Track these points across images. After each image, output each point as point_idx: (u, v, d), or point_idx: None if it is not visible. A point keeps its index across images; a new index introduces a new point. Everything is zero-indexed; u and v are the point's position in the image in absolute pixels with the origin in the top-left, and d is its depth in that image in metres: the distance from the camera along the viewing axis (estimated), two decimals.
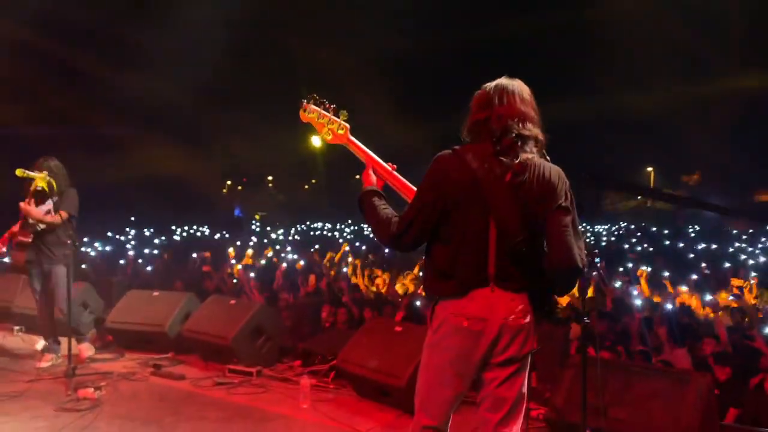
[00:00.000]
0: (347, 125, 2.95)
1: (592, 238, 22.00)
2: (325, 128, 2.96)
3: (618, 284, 9.18)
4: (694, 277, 9.82)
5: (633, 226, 31.57)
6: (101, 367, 6.08)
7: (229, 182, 52.32)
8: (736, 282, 9.06)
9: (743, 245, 18.82)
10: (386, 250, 14.80)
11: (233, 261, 13.06)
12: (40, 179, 5.74)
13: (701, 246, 18.53)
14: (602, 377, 3.61)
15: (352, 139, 2.95)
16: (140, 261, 13.52)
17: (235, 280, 10.52)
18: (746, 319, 7.45)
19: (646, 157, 44.84)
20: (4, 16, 16.82)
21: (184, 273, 11.63)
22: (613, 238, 23.61)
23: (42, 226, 5.84)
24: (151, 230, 24.92)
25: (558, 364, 5.32)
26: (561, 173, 2.61)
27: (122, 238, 21.72)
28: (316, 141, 3.24)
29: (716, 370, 5.31)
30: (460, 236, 2.54)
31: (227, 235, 24.44)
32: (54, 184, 5.84)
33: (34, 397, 5.12)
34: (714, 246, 18.50)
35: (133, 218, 28.76)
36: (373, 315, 7.32)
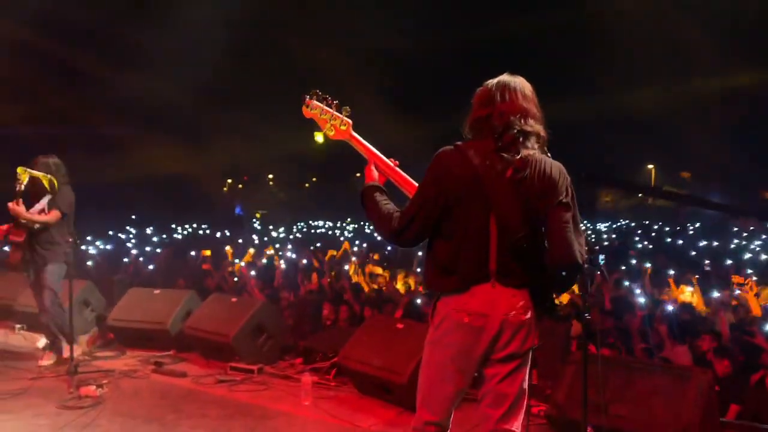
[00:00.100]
0: (350, 121, 2.96)
1: (593, 236, 22.00)
2: (328, 124, 2.97)
3: (626, 284, 9.15)
4: (696, 276, 9.81)
5: (633, 224, 31.57)
6: (103, 365, 6.09)
7: (229, 180, 52.35)
8: (736, 279, 9.05)
9: (744, 242, 18.80)
10: (388, 248, 14.82)
11: (236, 260, 13.08)
12: (42, 178, 5.72)
13: (703, 243, 18.51)
14: (603, 374, 3.61)
15: (355, 134, 2.96)
16: (141, 259, 13.54)
17: (236, 279, 10.53)
18: (748, 315, 7.45)
19: (647, 154, 44.83)
20: (3, 16, 16.81)
21: (186, 271, 11.65)
22: (614, 236, 23.61)
23: (36, 225, 5.81)
24: (152, 229, 24.92)
25: (559, 360, 5.32)
26: (562, 169, 2.62)
27: (123, 236, 21.75)
28: (318, 137, 3.23)
29: (715, 364, 5.32)
30: (461, 232, 2.55)
31: (228, 234, 24.47)
32: (55, 182, 5.82)
33: (36, 394, 5.13)
34: (715, 243, 18.50)
35: (133, 216, 28.80)
36: (373, 313, 7.33)
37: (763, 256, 14.27)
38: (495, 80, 2.68)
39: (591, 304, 4.34)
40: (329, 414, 4.87)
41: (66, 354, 5.93)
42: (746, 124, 33.95)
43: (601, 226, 29.20)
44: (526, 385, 2.65)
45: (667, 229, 26.57)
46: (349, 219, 33.30)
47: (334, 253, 14.45)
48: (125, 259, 13.17)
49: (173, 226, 26.83)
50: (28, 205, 5.83)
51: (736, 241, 19.35)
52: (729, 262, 12.96)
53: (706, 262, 12.94)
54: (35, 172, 5.74)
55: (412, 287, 9.72)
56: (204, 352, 6.42)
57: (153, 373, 5.91)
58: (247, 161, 42.94)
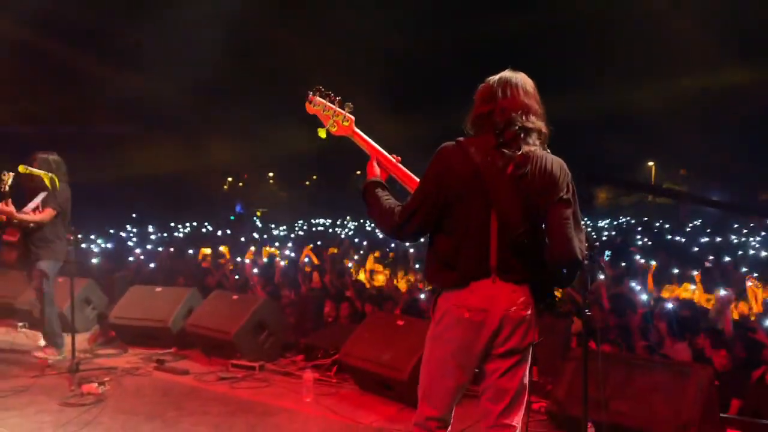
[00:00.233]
0: (352, 117, 2.97)
1: (594, 233, 22.00)
2: (331, 120, 2.97)
3: (628, 281, 9.14)
4: (695, 273, 9.82)
5: (634, 221, 31.57)
6: (105, 363, 6.11)
7: (230, 179, 52.38)
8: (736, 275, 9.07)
9: (744, 239, 18.80)
10: (392, 245, 14.84)
11: (238, 258, 13.09)
12: (44, 176, 5.72)
13: (704, 240, 18.51)
14: (603, 370, 3.63)
15: (357, 130, 2.97)
16: (142, 257, 13.56)
17: (236, 276, 10.54)
18: (750, 311, 7.45)
19: (646, 151, 44.83)
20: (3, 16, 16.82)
21: (186, 269, 11.66)
22: (614, 233, 23.62)
23: (30, 224, 5.78)
24: (153, 227, 24.95)
25: (560, 357, 5.33)
26: (563, 165, 2.63)
27: (123, 234, 21.77)
28: (321, 133, 3.19)
29: (713, 356, 5.34)
30: (462, 228, 2.56)
31: (229, 232, 24.50)
32: (56, 180, 5.82)
33: (38, 392, 5.15)
34: (717, 240, 18.50)
35: (134, 215, 28.82)
36: (373, 310, 7.34)
37: (763, 253, 14.29)
38: (497, 76, 2.68)
39: (591, 301, 4.35)
40: (331, 410, 4.88)
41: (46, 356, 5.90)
42: (745, 123, 33.96)
43: (603, 223, 29.20)
44: (526, 380, 2.66)
45: (668, 226, 26.57)
46: (348, 217, 33.31)
47: (335, 250, 14.47)
48: (130, 258, 13.17)
49: (172, 224, 26.84)
50: (25, 203, 5.83)
51: (734, 238, 19.34)
52: (729, 259, 12.95)
53: (710, 257, 12.93)
54: (36, 171, 5.73)
55: (412, 281, 9.74)
56: (205, 349, 6.44)
57: (155, 370, 5.93)
58: (248, 159, 42.98)
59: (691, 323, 6.59)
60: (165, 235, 22.64)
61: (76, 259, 6.13)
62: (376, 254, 12.83)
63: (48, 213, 5.80)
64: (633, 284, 8.76)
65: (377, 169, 2.89)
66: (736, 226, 23.19)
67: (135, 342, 6.78)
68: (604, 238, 19.61)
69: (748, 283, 8.21)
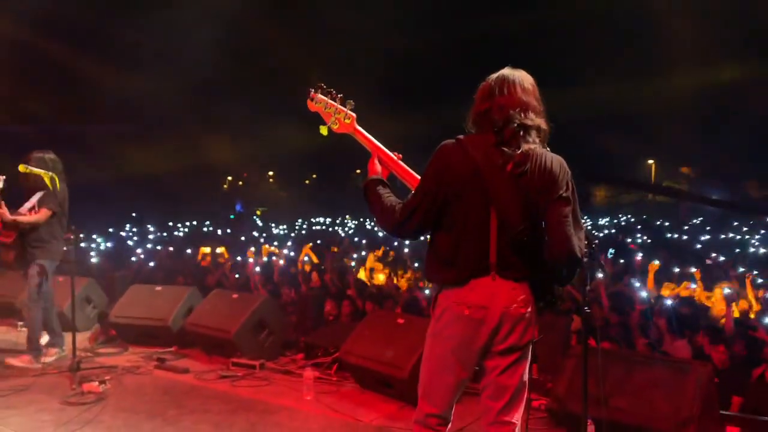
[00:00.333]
0: (353, 114, 2.98)
1: (594, 231, 22.01)
2: (332, 117, 2.98)
3: (637, 285, 9.13)
4: (693, 269, 9.83)
5: (633, 219, 31.58)
6: (106, 361, 6.12)
7: (230, 178, 52.38)
8: (735, 273, 9.07)
9: (744, 237, 18.82)
10: (395, 243, 14.83)
11: (237, 258, 13.10)
12: (44, 175, 5.72)
13: (704, 238, 18.52)
14: (603, 367, 3.63)
15: (359, 128, 2.98)
16: (142, 257, 13.56)
17: (236, 275, 10.55)
18: (750, 308, 7.46)
19: (646, 149, 44.82)
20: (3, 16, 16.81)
21: (186, 268, 11.67)
22: (614, 230, 23.63)
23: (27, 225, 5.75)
24: (153, 226, 24.95)
25: (559, 354, 5.34)
26: (563, 163, 2.63)
27: (123, 234, 21.77)
28: (322, 131, 3.20)
29: (712, 352, 5.34)
30: (461, 225, 2.57)
31: (229, 231, 24.50)
32: (57, 179, 5.81)
33: (39, 390, 5.16)
34: (717, 237, 18.51)
35: (134, 214, 28.82)
36: (374, 308, 7.35)
37: (762, 250, 14.30)
38: (496, 74, 2.70)
39: (590, 299, 4.35)
40: (331, 408, 4.89)
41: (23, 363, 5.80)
42: (744, 121, 33.94)
43: (603, 221, 29.20)
44: (526, 377, 2.67)
45: (667, 224, 26.58)
46: (348, 216, 33.31)
47: (337, 249, 14.48)
48: (133, 258, 13.16)
49: (170, 223, 26.83)
50: (22, 202, 5.81)
51: (732, 235, 19.36)
52: (729, 256, 12.96)
53: (713, 254, 12.94)
54: (36, 170, 5.70)
55: (412, 279, 9.74)
56: (206, 348, 6.45)
57: (155, 369, 5.94)
58: (248, 158, 42.98)
59: (690, 321, 6.60)
60: (165, 234, 22.62)
61: (76, 259, 6.12)
62: (378, 253, 12.84)
63: (43, 213, 5.76)
64: (633, 281, 8.77)
65: (378, 167, 2.89)
66: (735, 224, 23.21)
67: (135, 341, 6.79)
68: (601, 234, 19.61)
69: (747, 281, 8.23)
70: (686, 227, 24.40)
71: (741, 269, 10.29)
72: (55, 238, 5.88)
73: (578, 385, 3.68)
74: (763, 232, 19.85)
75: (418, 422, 2.68)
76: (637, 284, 8.58)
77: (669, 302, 7.24)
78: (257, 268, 10.42)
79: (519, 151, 2.55)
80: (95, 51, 23.84)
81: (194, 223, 28.58)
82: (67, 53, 22.41)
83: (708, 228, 22.38)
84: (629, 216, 34.09)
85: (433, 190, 2.58)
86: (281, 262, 11.72)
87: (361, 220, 30.77)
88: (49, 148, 6.11)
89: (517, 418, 2.66)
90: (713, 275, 9.81)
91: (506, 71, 2.69)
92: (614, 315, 6.87)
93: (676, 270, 10.28)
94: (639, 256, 12.01)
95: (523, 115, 2.59)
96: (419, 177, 2.74)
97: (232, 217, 36.84)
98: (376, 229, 22.01)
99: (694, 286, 8.85)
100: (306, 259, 12.36)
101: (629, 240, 17.68)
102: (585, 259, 2.72)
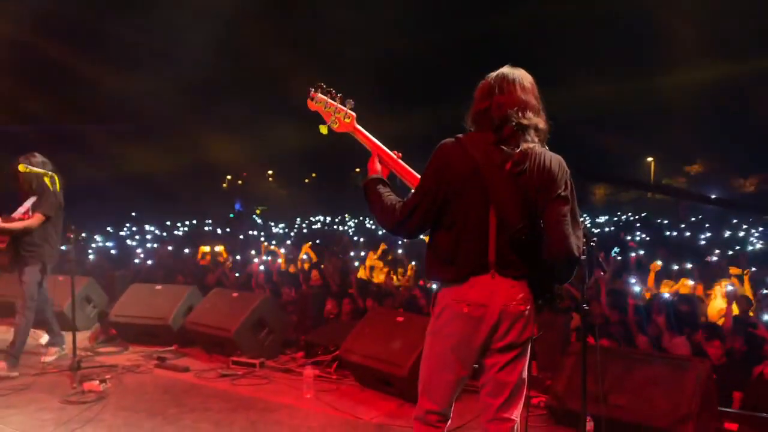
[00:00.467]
0: (353, 114, 2.99)
1: (594, 229, 22.03)
2: (332, 117, 2.99)
3: (638, 288, 9.13)
4: (689, 265, 9.83)
5: (633, 217, 31.57)
6: (106, 360, 6.14)
7: (229, 177, 52.37)
8: (734, 270, 9.06)
9: (743, 234, 18.82)
10: (399, 242, 14.82)
11: (237, 257, 13.11)
12: (44, 175, 5.71)
13: (703, 235, 18.52)
14: (602, 364, 3.65)
15: (358, 127, 2.99)
16: (142, 256, 13.57)
17: (237, 274, 10.56)
18: (751, 307, 7.46)
19: (646, 147, 44.82)
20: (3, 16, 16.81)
21: (186, 267, 11.68)
22: (613, 228, 23.63)
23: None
24: (152, 226, 24.95)
25: (559, 352, 5.35)
26: (562, 162, 2.64)
27: (123, 233, 21.78)
28: (322, 130, 3.20)
29: (708, 349, 5.35)
30: (461, 224, 2.58)
31: (228, 230, 24.50)
32: (57, 179, 5.80)
33: (39, 389, 5.18)
34: (716, 235, 18.50)
35: (133, 213, 28.83)
36: (374, 306, 7.37)
37: (759, 246, 14.31)
38: (495, 73, 2.70)
39: (589, 297, 4.37)
40: (331, 407, 4.91)
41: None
42: (730, 117, 33.99)
43: (601, 219, 29.21)
44: (525, 375, 2.68)
45: (666, 222, 26.58)
46: (347, 215, 33.31)
47: (336, 248, 14.47)
48: (135, 261, 13.15)
49: (168, 223, 26.83)
50: (17, 205, 5.78)
51: (730, 232, 19.36)
52: (727, 254, 12.96)
53: (716, 252, 12.94)
54: (36, 170, 5.69)
55: (411, 278, 9.75)
56: (206, 346, 6.46)
57: (156, 368, 5.95)
58: (247, 157, 42.99)
59: (689, 318, 6.61)
60: (164, 234, 22.63)
61: (76, 258, 6.11)
62: (379, 251, 12.84)
63: (37, 218, 5.68)
64: (631, 279, 8.76)
65: (378, 166, 2.90)
66: (735, 221, 23.22)
67: (136, 340, 6.80)
68: (597, 231, 19.61)
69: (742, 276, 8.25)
70: (683, 225, 24.41)
71: (740, 266, 10.29)
72: (48, 242, 5.79)
73: (577, 382, 3.69)
74: (761, 229, 19.86)
75: (418, 419, 2.69)
76: (636, 282, 8.57)
77: (667, 296, 7.24)
78: (261, 267, 10.41)
79: (518, 150, 2.56)
80: (95, 51, 23.87)
81: (194, 222, 28.58)
82: (67, 53, 22.42)
83: (707, 226, 22.37)
84: (629, 214, 34.09)
85: (433, 188, 2.59)
86: (279, 261, 11.72)
87: (361, 218, 30.76)
88: (48, 148, 6.11)
89: (516, 415, 2.67)
90: (712, 272, 9.82)
91: (506, 70, 2.69)
92: (614, 313, 6.88)
93: (675, 267, 10.28)
94: (639, 254, 12.01)
95: (521, 113, 2.59)
96: (419, 176, 2.76)
97: (231, 216, 36.84)
98: (375, 227, 22.03)
99: (692, 282, 8.86)
100: (305, 257, 12.37)
101: (629, 238, 17.68)
102: (583, 258, 2.74)
